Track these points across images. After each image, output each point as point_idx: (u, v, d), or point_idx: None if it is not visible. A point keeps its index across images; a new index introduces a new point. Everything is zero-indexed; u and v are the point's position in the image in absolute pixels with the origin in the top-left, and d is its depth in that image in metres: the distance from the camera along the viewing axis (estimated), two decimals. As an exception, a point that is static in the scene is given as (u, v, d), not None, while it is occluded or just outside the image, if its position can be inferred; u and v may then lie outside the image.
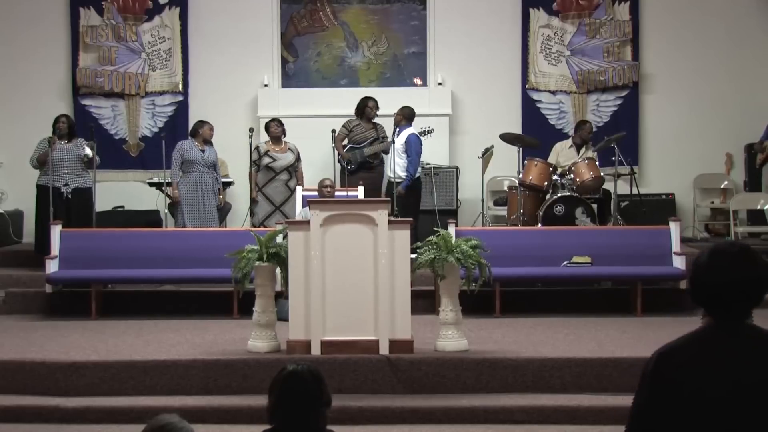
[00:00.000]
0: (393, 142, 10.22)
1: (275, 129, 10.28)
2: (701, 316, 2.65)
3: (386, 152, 10.70)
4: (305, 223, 6.72)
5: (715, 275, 2.58)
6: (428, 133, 10.51)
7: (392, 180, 10.14)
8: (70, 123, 9.99)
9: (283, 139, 10.28)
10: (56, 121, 9.89)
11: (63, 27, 11.99)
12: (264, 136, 10.63)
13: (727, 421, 2.50)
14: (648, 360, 2.61)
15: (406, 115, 10.36)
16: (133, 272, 8.65)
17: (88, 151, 9.70)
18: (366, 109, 10.81)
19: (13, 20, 11.91)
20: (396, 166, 10.17)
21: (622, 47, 11.95)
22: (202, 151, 9.96)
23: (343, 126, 10.85)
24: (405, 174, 10.16)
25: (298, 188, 10.09)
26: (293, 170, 10.25)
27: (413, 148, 10.24)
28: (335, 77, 12.09)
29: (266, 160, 10.12)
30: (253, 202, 10.21)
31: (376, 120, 10.84)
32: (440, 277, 6.75)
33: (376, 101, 10.82)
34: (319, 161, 11.13)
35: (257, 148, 10.20)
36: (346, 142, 10.77)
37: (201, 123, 10.25)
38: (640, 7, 11.92)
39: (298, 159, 10.30)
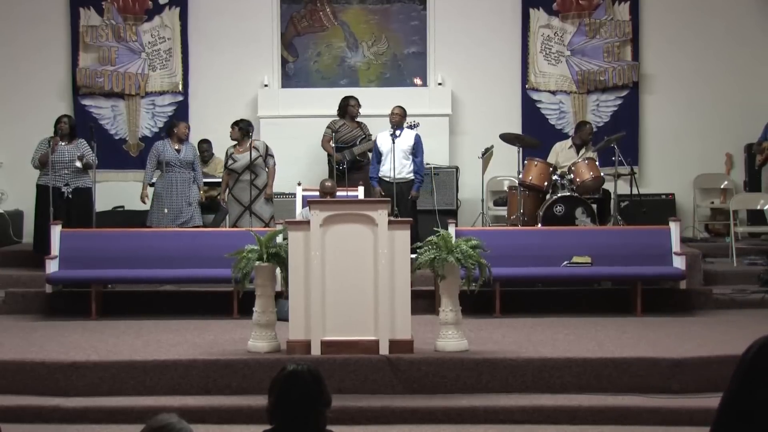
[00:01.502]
0: (393, 142, 10.20)
1: (231, 131, 10.15)
2: None
3: (370, 150, 10.71)
4: (305, 223, 6.72)
5: None
6: (416, 126, 10.48)
7: (393, 181, 10.03)
8: (72, 123, 9.99)
9: (251, 139, 10.03)
10: (58, 121, 9.89)
11: (63, 27, 11.98)
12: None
13: None
14: (748, 347, 2.55)
15: (405, 115, 10.36)
16: (133, 272, 8.64)
17: (78, 164, 9.69)
18: (348, 108, 10.83)
19: (14, 20, 11.91)
20: (402, 167, 10.10)
21: (622, 47, 11.94)
22: (178, 150, 9.90)
23: (328, 127, 10.84)
24: (413, 176, 10.23)
25: (298, 188, 10.03)
26: (259, 169, 9.97)
27: (421, 148, 10.34)
28: (335, 77, 12.08)
29: (229, 162, 10.07)
30: (224, 202, 10.15)
31: (369, 119, 10.85)
32: (440, 277, 6.74)
33: (357, 99, 10.86)
34: (318, 161, 11.14)
35: (227, 150, 10.16)
36: (332, 143, 10.75)
37: (175, 122, 10.25)
38: (640, 7, 11.91)
39: (267, 156, 10.02)
